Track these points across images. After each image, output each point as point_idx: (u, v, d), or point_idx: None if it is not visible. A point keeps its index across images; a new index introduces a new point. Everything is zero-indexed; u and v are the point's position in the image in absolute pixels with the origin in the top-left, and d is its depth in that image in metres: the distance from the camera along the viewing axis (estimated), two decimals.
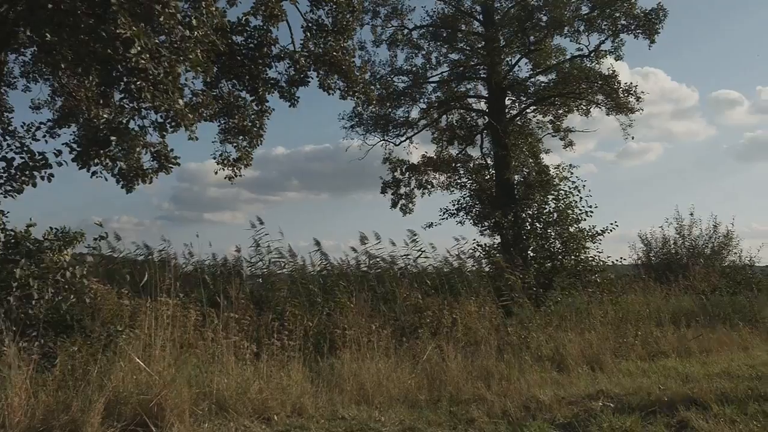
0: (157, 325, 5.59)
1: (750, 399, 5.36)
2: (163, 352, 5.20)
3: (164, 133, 7.94)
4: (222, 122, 10.45)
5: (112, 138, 7.34)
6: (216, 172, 10.10)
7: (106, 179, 7.23)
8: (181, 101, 7.56)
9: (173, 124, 7.80)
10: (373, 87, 13.78)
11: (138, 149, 7.74)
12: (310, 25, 9.96)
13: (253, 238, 10.94)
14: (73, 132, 8.56)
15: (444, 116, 20.38)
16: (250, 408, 4.95)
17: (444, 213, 18.55)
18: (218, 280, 9.28)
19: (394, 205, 20.58)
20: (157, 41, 6.95)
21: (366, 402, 5.52)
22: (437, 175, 20.16)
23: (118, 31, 5.98)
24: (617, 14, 17.27)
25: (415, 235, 12.40)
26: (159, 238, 13.97)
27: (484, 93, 19.83)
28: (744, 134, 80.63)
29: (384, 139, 20.01)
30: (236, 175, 10.35)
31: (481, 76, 19.59)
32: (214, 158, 10.06)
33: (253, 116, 10.65)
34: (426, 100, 19.96)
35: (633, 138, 19.62)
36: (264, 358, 5.90)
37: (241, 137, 10.61)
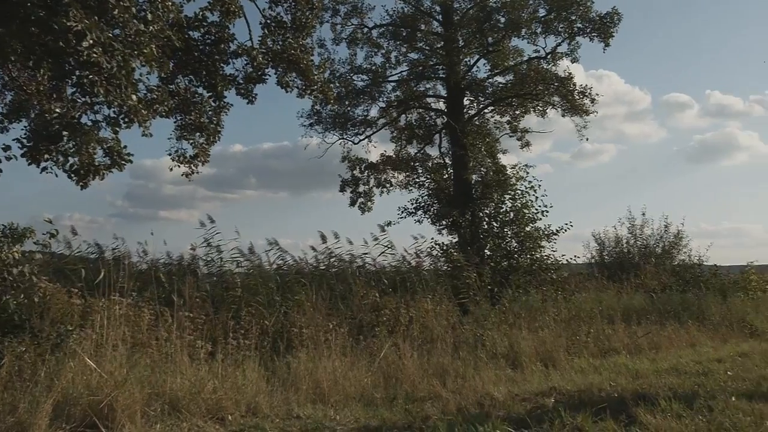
0: (109, 324, 5.49)
1: (696, 394, 5.52)
2: (115, 352, 5.11)
3: (117, 128, 7.79)
4: (178, 118, 10.28)
5: (64, 133, 7.18)
6: (171, 169, 9.93)
7: (57, 175, 7.06)
8: (135, 96, 7.42)
9: (127, 119, 7.65)
10: (331, 86, 13.73)
11: (90, 145, 7.59)
12: (268, 21, 9.87)
13: (203, 238, 10.79)
14: (24, 127, 8.33)
15: (403, 115, 20.45)
16: (203, 408, 4.90)
17: (402, 212, 18.60)
18: (173, 279, 9.14)
19: (352, 203, 20.58)
20: (110, 35, 6.81)
21: (322, 401, 5.51)
22: (396, 174, 20.22)
23: (69, 23, 5.84)
24: (573, 17, 17.55)
25: (384, 231, 12.42)
26: (112, 236, 13.66)
27: (443, 93, 19.95)
28: (694, 137, 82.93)
29: (343, 138, 19.98)
30: (193, 173, 10.20)
31: (440, 75, 19.71)
32: (170, 155, 9.89)
33: (210, 113, 10.50)
34: (385, 99, 20.00)
35: (587, 139, 20.05)
36: (219, 358, 5.84)
37: (197, 134, 10.46)
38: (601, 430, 4.33)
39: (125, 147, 7.75)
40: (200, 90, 10.32)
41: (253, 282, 9.24)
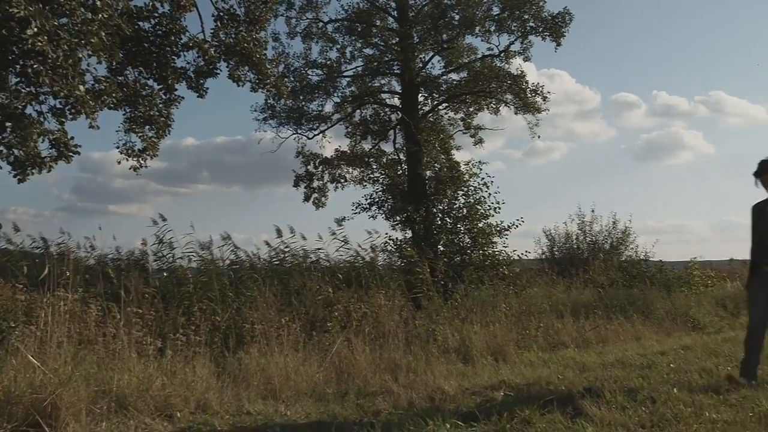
0: (53, 321, 5.35)
1: (641, 386, 5.67)
2: (60, 349, 4.99)
3: (63, 120, 7.61)
4: (127, 111, 10.06)
5: (7, 124, 6.97)
6: (119, 162, 9.72)
7: (0, 167, 6.85)
8: (82, 87, 7.26)
9: (73, 111, 7.48)
10: (285, 80, 13.62)
11: (35, 136, 7.39)
12: (221, 14, 9.74)
13: (155, 235, 10.61)
14: None
15: (358, 111, 20.43)
16: (152, 405, 4.83)
17: (357, 207, 18.61)
18: (122, 275, 8.95)
19: (306, 198, 20.48)
20: (56, 23, 6.64)
21: (273, 396, 5.49)
22: (350, 170, 20.20)
23: (12, 10, 5.67)
24: (526, 16, 17.82)
25: (340, 225, 12.39)
26: (59, 230, 13.31)
27: (398, 89, 20.02)
28: (641, 136, 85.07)
29: (297, 133, 19.87)
30: (141, 166, 10.01)
31: (395, 72, 19.76)
32: (118, 148, 9.68)
33: (160, 106, 10.31)
34: (340, 94, 19.96)
35: (539, 137, 20.44)
36: (168, 354, 5.76)
37: (147, 127, 10.26)
38: (548, 423, 4.42)
39: (72, 138, 7.57)
40: (150, 82, 10.13)
41: (205, 278, 9.11)
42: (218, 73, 10.03)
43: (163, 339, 6.32)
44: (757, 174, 5.92)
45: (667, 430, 4.22)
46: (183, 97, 10.23)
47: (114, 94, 8.79)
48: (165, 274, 10.32)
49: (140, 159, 9.95)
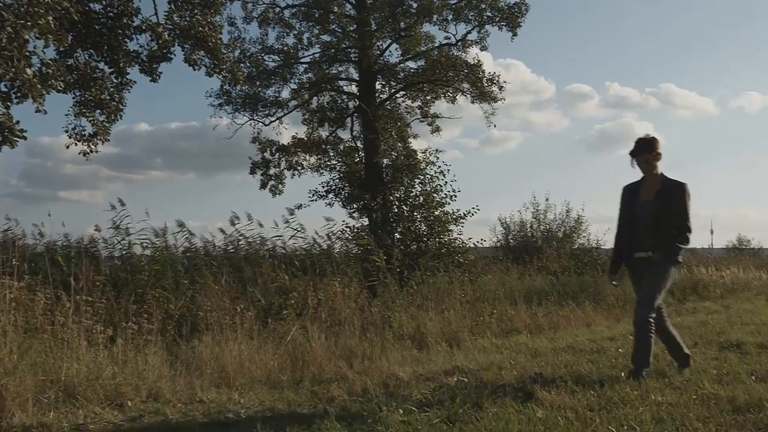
0: None
1: (590, 371, 5.81)
2: (5, 338, 4.86)
3: (9, 103, 7.39)
4: (77, 94, 9.82)
5: None
6: (68, 147, 9.48)
7: None
8: (29, 70, 7.06)
9: (19, 94, 7.27)
10: (241, 66, 13.46)
11: None
12: None
13: (112, 221, 10.36)
14: None
15: (315, 98, 20.32)
16: (101, 394, 4.75)
17: (313, 195, 18.54)
18: (72, 262, 8.75)
19: (263, 186, 20.33)
20: (0, 4, 6.44)
21: (227, 384, 5.45)
22: (307, 157, 20.12)
23: None
24: (483, 5, 17.94)
25: (292, 214, 12.31)
26: (5, 216, 12.87)
27: (355, 76, 19.97)
28: (594, 126, 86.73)
29: (253, 119, 19.67)
30: (92, 151, 9.79)
31: (353, 59, 19.68)
32: (66, 132, 9.43)
33: (112, 89, 10.09)
34: (297, 80, 19.82)
35: (495, 126, 20.59)
36: (120, 343, 5.67)
37: (98, 111, 10.02)
38: (500, 407, 4.49)
39: (18, 123, 7.35)
40: (101, 65, 9.89)
41: (157, 265, 8.97)
42: (172, 58, 9.84)
43: (115, 327, 6.21)
44: (634, 153, 5.59)
45: (614, 412, 4.32)
46: (135, 81, 10.03)
47: (63, 78, 8.56)
48: (117, 261, 10.13)
49: (91, 144, 9.74)
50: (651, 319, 5.40)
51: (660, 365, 6.05)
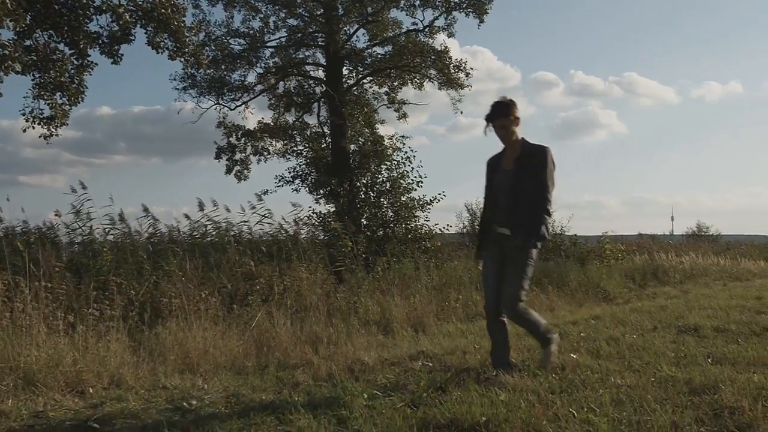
0: None
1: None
2: None
3: None
4: (36, 76, 9.59)
5: None
6: (24, 130, 9.26)
7: None
8: None
9: None
10: (205, 50, 13.28)
11: None
12: None
13: (72, 205, 10.14)
14: None
15: (281, 82, 20.16)
16: (62, 381, 4.68)
17: (280, 180, 18.43)
18: (31, 247, 8.57)
19: (229, 171, 20.15)
20: None
21: (190, 371, 5.42)
22: (274, 142, 19.98)
23: None
24: None
25: (260, 200, 12.20)
26: None
27: (322, 61, 19.83)
28: (559, 114, 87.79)
29: (218, 103, 19.44)
30: (52, 135, 9.59)
31: (320, 44, 19.55)
32: (24, 115, 9.22)
33: (72, 71, 9.88)
34: (263, 65, 19.63)
35: (462, 113, 20.68)
36: (81, 329, 5.58)
37: (58, 94, 9.81)
38: (463, 391, 4.54)
39: None
40: (61, 47, 9.68)
41: (120, 252, 8.83)
42: (133, 39, 9.67)
43: (76, 314, 6.11)
44: (489, 118, 4.99)
45: (575, 395, 4.40)
46: (96, 63, 9.84)
47: (21, 59, 8.35)
48: (76, 247, 9.94)
49: (50, 127, 9.54)
50: (519, 309, 5.08)
51: (620, 349, 6.18)
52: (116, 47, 9.42)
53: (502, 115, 4.93)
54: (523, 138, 5.04)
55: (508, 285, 5.00)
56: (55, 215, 10.32)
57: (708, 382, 4.67)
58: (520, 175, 4.92)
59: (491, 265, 5.17)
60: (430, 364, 5.57)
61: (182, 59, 10.00)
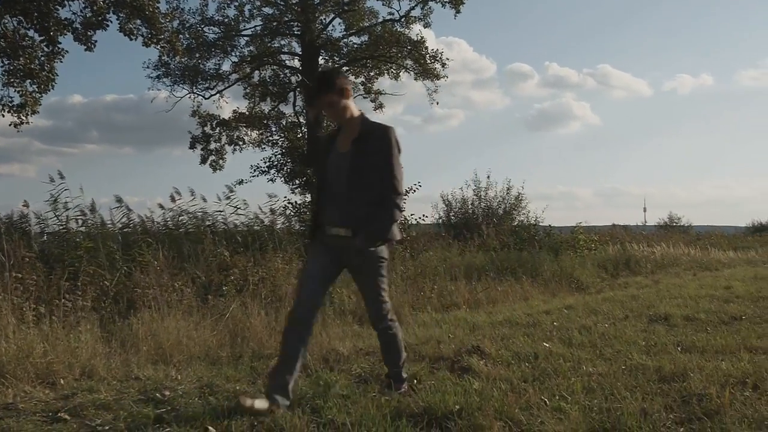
0: None
1: (525, 344, 5.96)
2: None
3: None
4: (5, 63, 9.42)
5: None
6: None
7: None
8: None
9: None
10: (180, 37, 13.10)
11: None
12: None
13: (50, 194, 9.96)
14: None
15: (257, 72, 20.02)
16: (32, 373, 4.62)
17: (255, 170, 18.33)
18: (1, 237, 8.43)
19: (203, 161, 20.02)
20: None
21: (164, 361, 5.37)
22: (249, 132, 19.86)
23: None
24: None
25: (232, 191, 12.10)
26: None
27: (298, 50, 19.74)
28: (534, 105, 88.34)
29: (193, 92, 19.28)
30: (22, 122, 9.43)
31: (295, 33, 19.45)
32: None
33: (42, 58, 9.71)
34: (238, 53, 19.51)
35: (438, 103, 20.68)
36: (52, 320, 5.51)
37: (28, 81, 9.64)
38: (438, 380, 4.58)
39: None
40: (31, 33, 9.52)
41: (91, 242, 8.71)
42: (107, 26, 9.53)
43: (47, 305, 6.03)
44: (312, 97, 4.26)
45: (547, 383, 4.46)
46: (67, 51, 9.69)
47: None
48: (44, 238, 9.79)
49: (21, 115, 9.38)
50: (387, 319, 4.27)
51: (592, 337, 6.26)
52: (90, 34, 9.28)
53: (326, 89, 3.92)
54: (362, 114, 4.06)
55: (369, 301, 4.21)
56: (23, 206, 10.16)
57: (677, 369, 4.76)
58: (359, 160, 3.94)
59: (317, 264, 4.12)
60: (406, 353, 5.59)
61: (157, 46, 9.88)
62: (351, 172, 3.94)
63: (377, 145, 3.96)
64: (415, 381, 4.55)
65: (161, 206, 11.92)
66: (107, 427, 3.64)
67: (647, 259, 16.35)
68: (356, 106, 4.10)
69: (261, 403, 3.78)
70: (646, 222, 46.52)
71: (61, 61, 9.66)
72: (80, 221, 10.11)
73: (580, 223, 18.15)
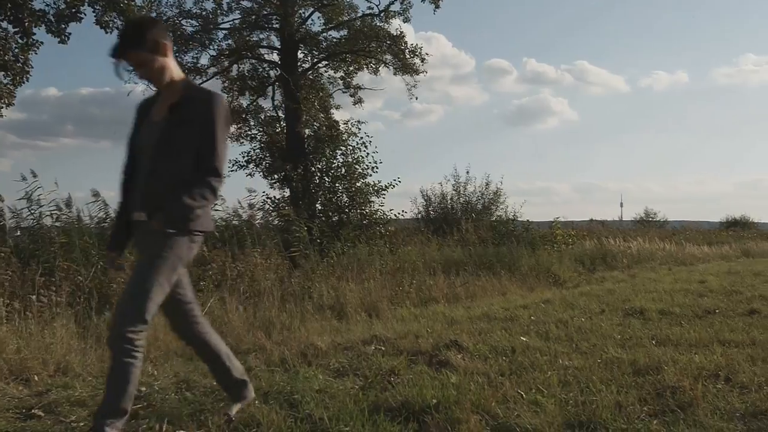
0: None
1: (502, 338, 6.00)
2: None
3: None
4: None
5: None
6: None
7: None
8: None
9: None
10: None
11: None
12: None
13: (25, 191, 9.80)
14: None
15: (235, 65, 19.85)
16: (5, 369, 4.56)
17: (233, 165, 18.22)
18: None
19: None
20: None
21: None
22: None
23: None
24: None
25: None
26: None
27: (277, 44, 19.60)
28: (512, 101, 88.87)
29: None
30: None
31: (274, 26, 19.31)
32: None
33: (16, 50, 9.56)
34: (216, 47, 19.30)
35: (417, 98, 20.68)
36: (26, 316, 5.44)
37: (2, 73, 9.49)
38: (415, 374, 4.60)
39: None
40: (4, 24, 9.37)
41: (65, 238, 8.60)
42: (82, 18, 9.40)
43: (21, 300, 5.95)
44: (116, 53, 3.20)
45: (524, 377, 4.50)
46: (42, 43, 9.54)
47: None
48: (18, 233, 9.64)
49: None
50: (132, 335, 3.08)
51: (569, 331, 6.32)
52: (64, 26, 9.15)
53: (134, 45, 3.20)
54: (185, 79, 3.44)
55: (122, 298, 3.25)
56: None
57: (651, 363, 4.83)
58: (173, 129, 3.23)
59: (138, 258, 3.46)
60: (383, 348, 5.61)
61: None
62: (160, 143, 3.21)
63: (199, 114, 3.20)
64: (393, 375, 4.56)
65: None
66: (82, 424, 3.61)
67: (623, 254, 16.54)
68: (177, 67, 3.43)
69: (237, 406, 3.71)
70: (622, 217, 47.02)
71: (36, 53, 9.54)
72: (54, 216, 9.97)
73: (558, 218, 18.35)
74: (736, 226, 39.70)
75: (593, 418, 3.56)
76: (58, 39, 9.24)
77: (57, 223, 9.91)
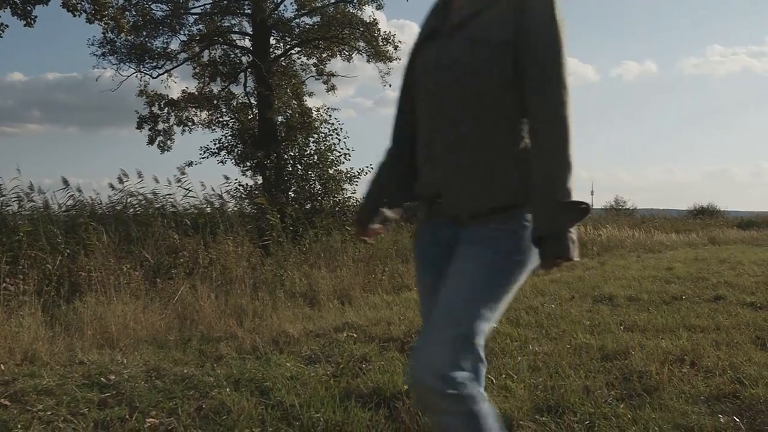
0: None
1: None
2: None
3: None
4: None
5: None
6: None
7: None
8: None
9: None
10: (126, 13, 12.74)
11: None
12: None
13: None
14: None
15: (206, 51, 19.61)
16: None
17: (205, 152, 18.04)
18: None
19: (151, 141, 19.58)
20: None
21: (110, 345, 5.28)
22: (198, 112, 19.49)
23: None
24: None
25: (183, 173, 11.87)
26: None
27: (249, 30, 19.39)
28: None
29: (140, 71, 18.76)
30: None
31: (246, 12, 19.09)
32: None
33: None
34: (187, 32, 19.03)
35: (390, 86, 20.64)
36: None
37: None
38: (386, 360, 4.62)
39: None
40: None
41: (30, 227, 8.45)
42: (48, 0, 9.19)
43: None
44: None
45: (495, 362, 4.54)
46: (7, 25, 9.32)
47: None
48: None
49: None
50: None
51: (539, 317, 6.39)
52: (29, 8, 8.94)
53: None
54: None
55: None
56: None
57: (619, 348, 4.91)
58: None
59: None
60: (355, 335, 5.62)
61: (101, 23, 9.57)
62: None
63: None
64: (364, 362, 4.58)
65: (112, 186, 11.62)
66: (49, 413, 3.56)
67: (593, 242, 16.74)
68: None
69: None
70: (593, 205, 47.58)
71: (1, 36, 9.31)
72: (18, 204, 9.78)
73: None
74: (703, 215, 40.45)
75: (562, 402, 3.61)
76: (24, 22, 9.01)
77: (22, 211, 9.74)
